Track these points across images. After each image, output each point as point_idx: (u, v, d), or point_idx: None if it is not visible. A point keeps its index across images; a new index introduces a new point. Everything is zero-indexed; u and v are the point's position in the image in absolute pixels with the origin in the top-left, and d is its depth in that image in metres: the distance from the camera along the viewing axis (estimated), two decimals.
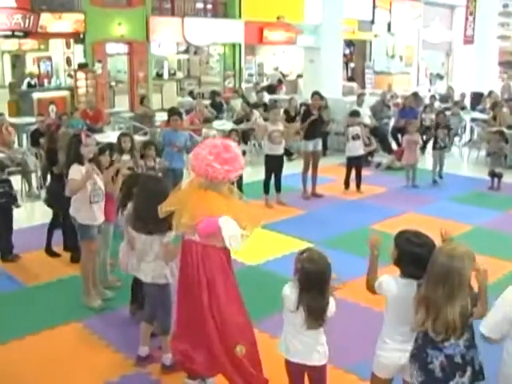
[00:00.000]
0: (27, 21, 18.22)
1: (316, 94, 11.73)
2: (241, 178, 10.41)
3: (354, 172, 11.86)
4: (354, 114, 12.24)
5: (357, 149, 11.74)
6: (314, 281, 4.09)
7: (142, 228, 5.25)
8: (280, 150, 10.93)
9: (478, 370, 3.64)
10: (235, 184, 10.26)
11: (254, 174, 11.93)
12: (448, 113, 16.49)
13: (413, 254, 3.92)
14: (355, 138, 11.70)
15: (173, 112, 10.59)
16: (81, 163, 6.47)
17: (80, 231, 6.65)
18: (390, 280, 4.05)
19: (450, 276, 3.54)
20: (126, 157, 8.79)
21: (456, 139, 16.66)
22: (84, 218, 6.52)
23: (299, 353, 4.21)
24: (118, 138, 9.18)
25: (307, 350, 4.19)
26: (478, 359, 3.66)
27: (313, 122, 11.36)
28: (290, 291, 4.20)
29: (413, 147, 12.36)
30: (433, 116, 15.51)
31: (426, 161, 13.13)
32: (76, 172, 6.43)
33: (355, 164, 11.80)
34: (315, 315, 4.11)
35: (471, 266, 3.61)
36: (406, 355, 3.89)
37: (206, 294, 4.60)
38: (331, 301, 4.18)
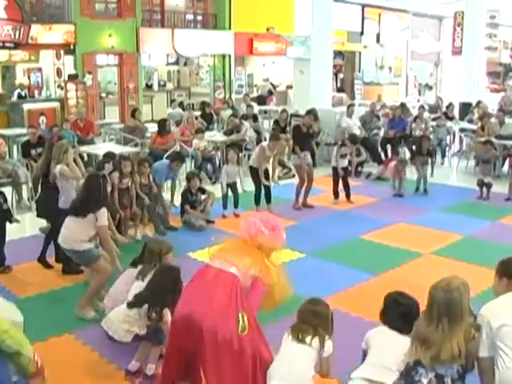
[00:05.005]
0: (18, 32, 18.28)
1: (311, 113, 11.79)
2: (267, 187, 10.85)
3: (341, 183, 11.96)
4: (354, 140, 12.39)
5: (342, 162, 11.86)
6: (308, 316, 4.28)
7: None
8: (266, 165, 11.04)
9: None
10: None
11: (246, 184, 11.95)
12: (434, 123, 16.62)
13: (397, 312, 4.24)
14: (343, 156, 11.85)
15: (177, 157, 10.68)
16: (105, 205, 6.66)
17: (82, 258, 6.70)
18: (374, 329, 4.32)
19: (451, 308, 3.70)
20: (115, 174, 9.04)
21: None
22: (86, 245, 6.57)
23: (282, 370, 4.20)
24: (119, 161, 9.35)
25: (292, 372, 4.17)
26: None
27: (302, 135, 11.46)
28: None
29: (398, 170, 12.50)
30: (423, 126, 15.65)
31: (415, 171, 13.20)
32: (106, 216, 6.59)
33: (341, 175, 11.88)
34: (297, 329, 4.25)
35: (468, 294, 3.80)
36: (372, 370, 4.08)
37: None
38: (328, 343, 4.26)
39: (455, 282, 3.79)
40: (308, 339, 4.17)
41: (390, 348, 4.05)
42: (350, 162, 12.20)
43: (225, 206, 10.84)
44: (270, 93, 25.01)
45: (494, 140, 13.93)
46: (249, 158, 13.22)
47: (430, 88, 31.08)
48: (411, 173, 12.91)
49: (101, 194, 6.65)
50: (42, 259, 8.35)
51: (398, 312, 4.21)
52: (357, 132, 14.55)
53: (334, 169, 11.91)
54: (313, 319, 4.24)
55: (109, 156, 9.82)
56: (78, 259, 6.86)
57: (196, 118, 16.46)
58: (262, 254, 4.68)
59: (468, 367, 3.75)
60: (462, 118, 18.49)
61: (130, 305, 5.38)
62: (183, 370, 4.83)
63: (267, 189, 10.97)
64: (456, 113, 19.06)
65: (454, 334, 3.65)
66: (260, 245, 4.69)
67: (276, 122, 15.32)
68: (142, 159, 9.85)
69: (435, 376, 3.62)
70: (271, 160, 11.18)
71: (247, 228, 4.80)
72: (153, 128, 14.78)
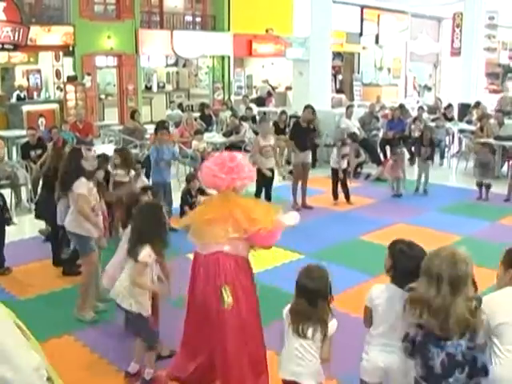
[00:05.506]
0: (17, 34, 18.29)
1: (309, 107, 11.79)
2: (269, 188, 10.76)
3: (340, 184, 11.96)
4: (353, 138, 12.42)
5: (342, 163, 11.85)
6: (304, 293, 4.14)
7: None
8: (270, 164, 10.96)
9: (480, 366, 3.66)
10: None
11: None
12: (433, 124, 16.64)
13: (406, 266, 3.99)
14: (344, 157, 11.85)
15: (161, 126, 10.64)
16: (85, 177, 6.52)
17: (79, 244, 6.68)
18: (381, 288, 4.12)
19: (454, 278, 3.57)
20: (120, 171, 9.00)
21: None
22: (85, 230, 6.55)
23: (291, 365, 4.20)
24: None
25: (301, 364, 4.17)
26: (481, 359, 3.67)
27: (301, 131, 11.45)
28: (287, 309, 4.26)
29: (396, 169, 12.53)
30: (422, 127, 15.64)
31: (415, 172, 13.23)
32: (83, 186, 6.47)
33: (339, 176, 11.88)
34: (300, 319, 4.13)
35: (472, 265, 3.66)
36: (388, 359, 4.00)
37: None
38: (333, 321, 4.18)
39: (460, 253, 3.65)
40: (309, 333, 4.11)
41: (396, 322, 3.95)
42: (348, 163, 12.21)
43: None
44: (269, 94, 25.01)
45: (492, 141, 13.96)
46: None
47: (429, 89, 31.10)
48: (410, 174, 12.91)
49: (78, 164, 6.57)
50: (56, 261, 8.35)
51: (408, 267, 3.93)
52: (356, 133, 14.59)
53: (334, 170, 11.91)
54: (310, 308, 4.10)
55: (101, 158, 9.74)
56: (75, 244, 6.88)
57: (195, 120, 16.48)
58: (229, 204, 4.72)
59: (476, 340, 3.68)
60: (460, 119, 18.51)
61: (129, 252, 5.30)
62: (197, 376, 4.95)
63: (267, 190, 10.96)
64: (455, 114, 19.08)
65: (456, 302, 3.56)
66: (223, 190, 4.76)
67: (275, 123, 15.32)
68: (144, 187, 9.69)
69: (446, 355, 3.61)
70: (273, 161, 11.14)
71: (205, 179, 4.91)
72: (152, 129, 14.79)
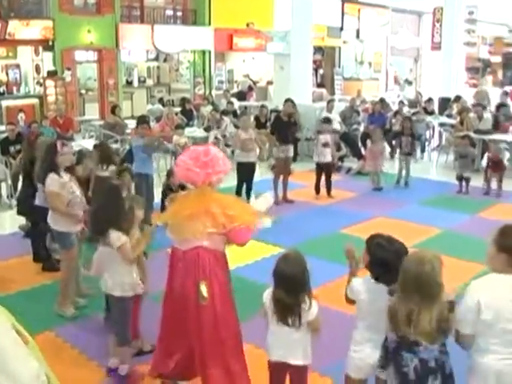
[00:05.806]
0: None
1: (289, 101, 11.81)
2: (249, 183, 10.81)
3: (324, 177, 11.96)
4: (326, 121, 12.39)
5: (325, 155, 11.83)
6: (282, 279, 4.15)
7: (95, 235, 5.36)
8: (251, 158, 10.96)
9: (448, 374, 3.70)
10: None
11: (226, 180, 11.91)
12: (414, 118, 16.72)
13: (383, 260, 3.99)
14: (325, 145, 11.81)
15: (142, 120, 10.62)
16: (56, 172, 6.46)
17: (59, 239, 6.65)
18: (360, 282, 4.13)
19: (422, 283, 3.59)
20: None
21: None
22: (62, 225, 6.51)
23: (279, 351, 4.25)
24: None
25: (287, 348, 4.22)
26: (448, 364, 3.72)
27: (285, 127, 11.45)
28: (267, 293, 4.27)
29: (376, 155, 12.56)
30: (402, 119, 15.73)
31: (396, 165, 13.30)
32: (54, 182, 6.42)
33: (324, 170, 11.89)
34: (280, 309, 4.16)
35: (440, 269, 3.67)
36: (376, 354, 3.99)
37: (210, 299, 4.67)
38: (314, 305, 4.20)
39: (428, 255, 3.67)
40: (289, 321, 4.15)
41: (379, 316, 3.90)
42: (333, 158, 12.20)
43: None
44: (250, 88, 24.98)
45: (472, 135, 14.05)
46: (232, 152, 13.21)
47: (410, 83, 31.23)
48: (390, 167, 12.96)
49: (52, 159, 6.55)
50: (36, 257, 8.29)
51: (385, 259, 3.95)
52: (337, 127, 14.59)
53: (318, 164, 11.93)
54: (288, 297, 4.12)
55: (81, 153, 9.61)
56: (56, 240, 6.88)
57: (176, 114, 16.43)
58: (205, 199, 4.72)
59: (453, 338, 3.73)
60: (441, 113, 18.60)
61: (96, 237, 5.37)
62: (179, 370, 4.96)
63: (248, 184, 10.97)
64: (435, 107, 19.17)
65: (426, 310, 3.57)
66: (199, 185, 4.76)
67: (256, 118, 15.32)
68: (121, 169, 9.43)
69: (419, 360, 3.63)
70: (255, 154, 11.12)
71: (179, 173, 4.91)
72: (133, 124, 14.72)
